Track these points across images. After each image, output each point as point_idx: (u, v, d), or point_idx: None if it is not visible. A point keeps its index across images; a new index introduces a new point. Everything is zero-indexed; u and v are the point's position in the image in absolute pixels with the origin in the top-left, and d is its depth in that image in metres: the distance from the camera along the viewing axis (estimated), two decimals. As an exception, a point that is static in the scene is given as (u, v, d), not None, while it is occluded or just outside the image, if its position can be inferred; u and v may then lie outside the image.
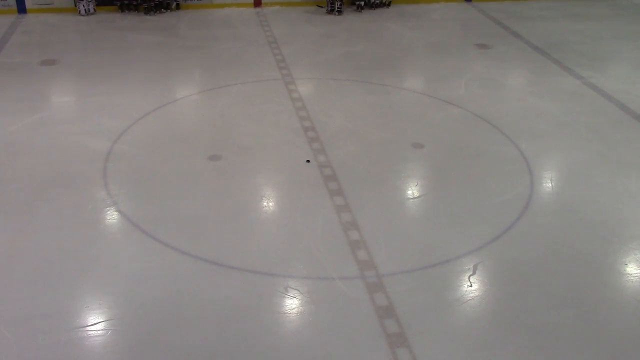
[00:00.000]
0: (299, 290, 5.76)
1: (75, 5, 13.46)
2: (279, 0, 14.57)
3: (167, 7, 13.89)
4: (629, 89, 10.38)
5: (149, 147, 8.14)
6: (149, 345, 5.14)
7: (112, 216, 6.76)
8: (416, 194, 7.40)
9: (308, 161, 7.88)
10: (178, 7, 14.03)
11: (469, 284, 5.92)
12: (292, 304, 5.63)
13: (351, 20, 13.82)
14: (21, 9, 13.35)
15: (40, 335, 5.17)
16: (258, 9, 14.32)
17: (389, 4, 14.73)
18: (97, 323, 5.33)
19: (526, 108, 9.63)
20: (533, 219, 6.91)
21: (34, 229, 6.52)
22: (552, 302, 5.72)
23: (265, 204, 7.15)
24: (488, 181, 7.61)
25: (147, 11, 13.66)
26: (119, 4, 13.75)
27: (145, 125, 8.73)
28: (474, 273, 6.06)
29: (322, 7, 14.22)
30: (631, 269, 6.21)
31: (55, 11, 13.51)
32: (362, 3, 14.39)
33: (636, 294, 5.88)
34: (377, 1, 14.60)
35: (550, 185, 7.63)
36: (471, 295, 5.80)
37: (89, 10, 13.48)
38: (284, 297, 5.70)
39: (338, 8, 14.06)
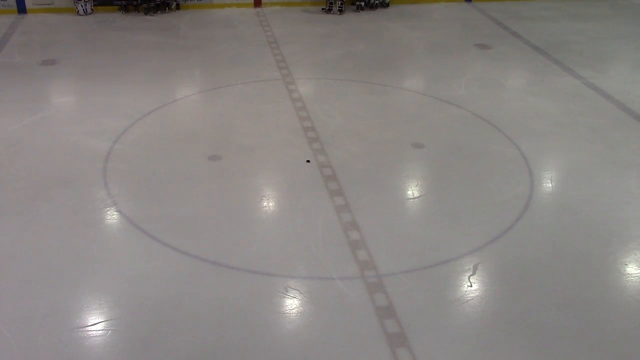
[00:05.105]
0: (298, 290, 5.76)
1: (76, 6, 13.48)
2: (279, 0, 14.57)
3: (167, 7, 13.89)
4: (629, 89, 10.38)
5: (149, 147, 8.14)
6: (149, 345, 5.14)
7: (112, 216, 6.76)
8: (416, 194, 7.39)
9: (308, 161, 7.88)
10: (178, 7, 14.02)
11: (469, 284, 5.92)
12: (292, 304, 5.63)
13: (351, 20, 13.82)
14: (21, 9, 13.34)
15: (40, 335, 5.18)
16: (258, 9, 14.32)
17: (387, 5, 14.71)
18: (97, 323, 5.33)
19: (526, 108, 9.63)
20: (533, 219, 6.91)
21: (34, 229, 6.52)
22: (552, 302, 5.72)
23: (265, 204, 7.14)
24: (488, 181, 7.61)
25: (147, 11, 13.66)
26: (119, 4, 13.76)
27: (145, 125, 8.72)
28: (474, 273, 6.06)
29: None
30: (631, 269, 6.20)
31: (55, 11, 13.51)
32: (362, 3, 14.39)
33: (636, 294, 5.88)
34: (377, 1, 14.59)
35: (550, 185, 7.63)
36: (471, 295, 5.80)
37: (87, 11, 13.47)
38: (284, 297, 5.70)
39: (339, 7, 14.07)
